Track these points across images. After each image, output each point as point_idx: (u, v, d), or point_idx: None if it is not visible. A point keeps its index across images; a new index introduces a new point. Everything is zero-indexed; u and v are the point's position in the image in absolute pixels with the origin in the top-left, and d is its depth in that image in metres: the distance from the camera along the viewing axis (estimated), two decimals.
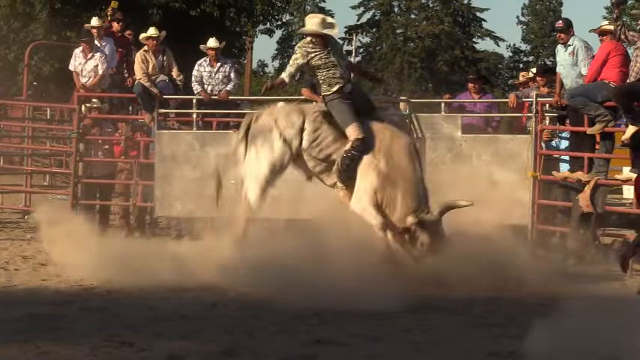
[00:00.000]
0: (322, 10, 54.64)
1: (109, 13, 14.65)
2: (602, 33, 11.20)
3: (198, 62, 13.20)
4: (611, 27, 11.05)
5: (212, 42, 13.25)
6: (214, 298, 8.24)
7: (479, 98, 12.70)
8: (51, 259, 10.13)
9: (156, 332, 7.01)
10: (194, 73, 13.16)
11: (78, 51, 13.71)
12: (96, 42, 13.75)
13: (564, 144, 11.85)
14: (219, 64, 13.16)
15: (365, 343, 6.78)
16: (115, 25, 14.43)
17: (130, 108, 13.98)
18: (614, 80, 10.79)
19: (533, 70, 13.40)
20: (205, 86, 13.06)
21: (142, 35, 13.45)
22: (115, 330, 7.00)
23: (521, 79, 13.77)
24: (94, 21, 14.10)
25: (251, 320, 7.49)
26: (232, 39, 29.89)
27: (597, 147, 11.17)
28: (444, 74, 50.12)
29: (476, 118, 12.48)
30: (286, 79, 9.57)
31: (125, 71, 14.17)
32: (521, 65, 51.34)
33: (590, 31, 11.63)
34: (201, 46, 13.37)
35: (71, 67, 13.77)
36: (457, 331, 7.23)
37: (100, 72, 13.43)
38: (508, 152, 11.74)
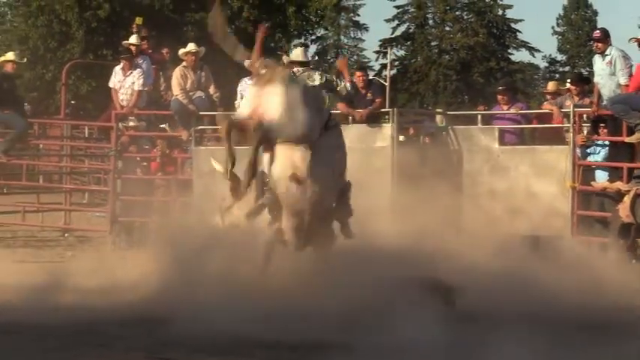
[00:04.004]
0: (356, 24, 54.75)
1: (133, 30, 14.66)
2: None
3: (243, 79, 13.05)
4: None
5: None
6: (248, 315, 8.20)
7: (508, 109, 12.58)
8: None
9: (195, 348, 7.01)
10: (239, 88, 13.12)
11: (118, 68, 13.78)
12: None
13: (600, 150, 11.71)
14: None
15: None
16: (144, 44, 14.46)
17: (167, 124, 14.03)
18: None
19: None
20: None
21: (182, 51, 13.50)
22: (154, 346, 7.01)
23: (549, 88, 13.61)
24: (133, 38, 14.18)
25: (288, 334, 7.44)
26: (267, 54, 29.95)
27: None
28: (480, 86, 49.88)
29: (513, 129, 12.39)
30: None
31: (161, 88, 14.24)
32: (557, 76, 50.95)
33: (629, 40, 11.51)
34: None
35: (111, 84, 13.84)
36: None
37: (137, 89, 13.48)
38: (546, 163, 11.65)
